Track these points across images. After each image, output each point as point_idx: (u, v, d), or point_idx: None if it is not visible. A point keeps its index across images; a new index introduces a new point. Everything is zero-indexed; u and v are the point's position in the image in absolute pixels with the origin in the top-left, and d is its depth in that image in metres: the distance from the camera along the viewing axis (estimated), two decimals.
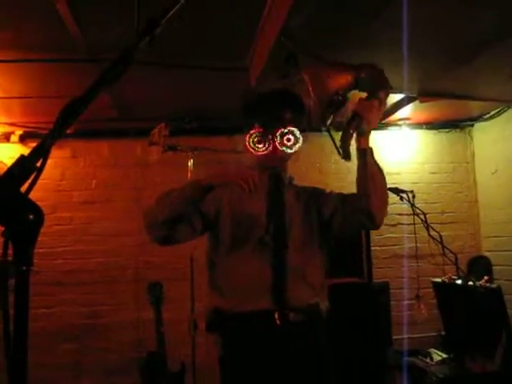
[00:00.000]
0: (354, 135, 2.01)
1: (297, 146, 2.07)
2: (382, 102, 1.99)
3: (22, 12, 2.73)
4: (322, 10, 2.61)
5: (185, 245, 3.94)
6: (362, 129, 1.99)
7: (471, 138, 5.64)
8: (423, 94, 4.10)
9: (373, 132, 2.05)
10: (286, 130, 2.05)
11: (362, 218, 2.02)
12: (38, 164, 0.93)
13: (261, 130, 2.07)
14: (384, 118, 4.94)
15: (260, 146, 2.06)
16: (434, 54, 3.36)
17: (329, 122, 2.03)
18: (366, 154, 2.00)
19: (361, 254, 4.35)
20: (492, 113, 5.18)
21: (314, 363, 2.02)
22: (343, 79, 2.00)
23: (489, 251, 5.34)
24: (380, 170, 2.04)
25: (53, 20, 2.74)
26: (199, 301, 3.82)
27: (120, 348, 4.72)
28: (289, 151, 2.07)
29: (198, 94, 4.13)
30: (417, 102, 4.29)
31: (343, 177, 4.77)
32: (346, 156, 2.01)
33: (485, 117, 5.32)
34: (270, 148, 2.06)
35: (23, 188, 0.90)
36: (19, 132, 4.83)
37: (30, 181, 0.91)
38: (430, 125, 5.45)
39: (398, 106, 4.54)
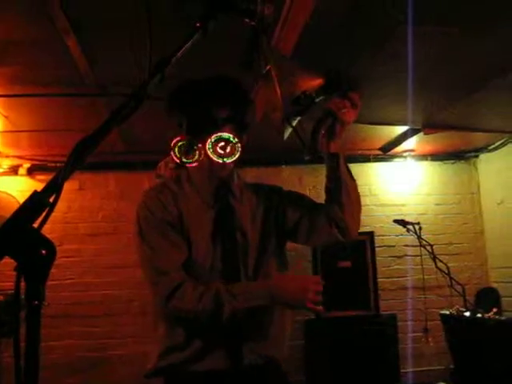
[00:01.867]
0: (323, 139, 1.76)
1: (235, 154, 1.61)
2: (356, 104, 1.74)
3: (32, 47, 2.78)
4: (329, 40, 2.65)
5: None
6: (335, 130, 1.74)
7: (476, 169, 5.65)
8: (427, 126, 4.13)
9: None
10: (217, 137, 1.59)
11: (334, 230, 1.75)
12: (51, 199, 0.95)
13: (186, 136, 1.60)
14: (389, 150, 4.97)
15: (188, 157, 1.59)
16: (438, 86, 3.40)
17: (294, 122, 1.77)
18: (338, 159, 1.74)
19: (367, 286, 4.32)
20: (497, 144, 5.21)
21: None
22: (311, 80, 1.78)
23: (496, 282, 5.30)
24: (352, 178, 1.79)
25: (62, 56, 2.80)
26: None
27: (126, 382, 4.67)
28: (226, 161, 1.61)
29: None
30: (421, 133, 4.32)
31: None
32: (315, 155, 1.75)
33: (489, 148, 5.34)
34: (200, 158, 1.59)
35: (36, 223, 0.91)
36: (27, 165, 4.88)
37: (42, 216, 0.92)
38: (435, 156, 5.48)
39: (403, 138, 4.57)
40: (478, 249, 5.52)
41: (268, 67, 1.80)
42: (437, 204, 5.49)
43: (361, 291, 4.35)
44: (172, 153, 1.59)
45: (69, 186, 5.01)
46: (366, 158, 5.10)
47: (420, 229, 4.17)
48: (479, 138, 5.04)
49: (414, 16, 2.39)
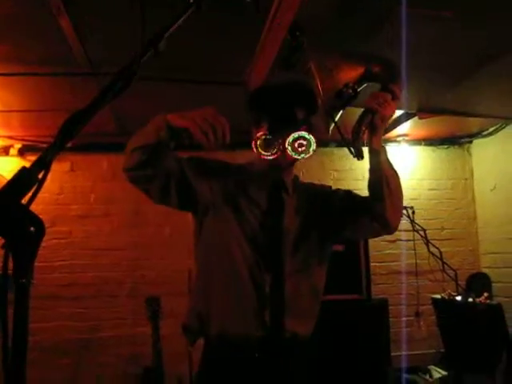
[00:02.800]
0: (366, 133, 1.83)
1: (310, 151, 1.77)
2: (397, 96, 1.80)
3: (23, 26, 2.74)
4: (322, 28, 2.62)
5: (182, 259, 3.99)
6: (375, 125, 1.80)
7: (470, 154, 5.65)
8: (422, 111, 4.11)
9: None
10: (298, 135, 1.77)
11: (376, 224, 1.85)
12: (40, 176, 0.93)
13: (268, 132, 1.78)
14: (383, 135, 4.95)
15: (267, 151, 1.77)
16: (432, 72, 3.37)
17: (337, 116, 1.87)
18: (379, 154, 1.82)
19: (359, 270, 4.32)
20: (490, 129, 5.20)
21: None
22: (353, 71, 1.84)
23: (488, 268, 5.33)
24: (395, 172, 1.85)
25: (54, 35, 2.75)
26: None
27: (116, 363, 4.68)
28: (300, 157, 1.79)
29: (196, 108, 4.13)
30: (415, 118, 4.30)
31: None
32: (359, 155, 1.83)
33: (483, 133, 5.34)
34: (279, 153, 1.77)
35: (24, 200, 0.89)
36: (18, 145, 4.83)
37: (31, 193, 0.90)
38: (429, 141, 5.47)
39: (397, 122, 4.55)
40: (470, 234, 5.53)
41: (309, 65, 1.84)
42: (430, 189, 5.49)
43: (353, 275, 4.34)
44: (253, 145, 1.77)
45: (60, 168, 5.03)
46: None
47: (413, 213, 4.17)
48: (473, 123, 5.03)
49: None
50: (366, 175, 1.91)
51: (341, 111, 1.86)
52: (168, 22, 1.22)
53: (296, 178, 2.03)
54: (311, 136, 1.77)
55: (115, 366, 4.66)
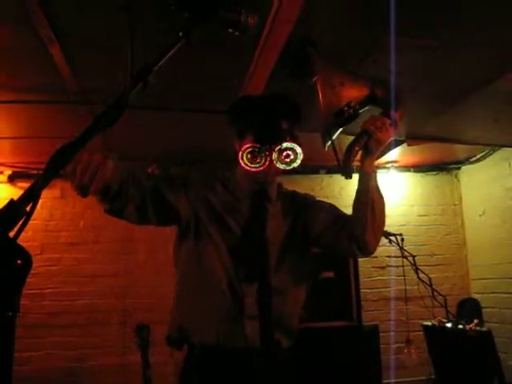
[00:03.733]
0: (359, 154, 1.84)
1: (296, 162, 1.77)
2: (395, 122, 1.81)
3: (16, 55, 2.76)
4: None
5: (172, 286, 3.96)
6: (370, 148, 1.81)
7: (458, 180, 5.70)
8: (411, 138, 4.16)
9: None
10: (284, 146, 1.76)
11: (353, 245, 1.83)
12: (28, 208, 0.93)
13: (255, 144, 1.76)
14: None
15: (254, 163, 1.76)
16: (421, 98, 3.42)
17: (335, 135, 1.86)
18: (369, 177, 1.82)
19: (350, 296, 4.31)
20: (478, 156, 5.27)
21: None
22: (357, 91, 1.85)
23: (478, 293, 5.33)
24: (381, 197, 1.85)
25: (46, 64, 2.78)
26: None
27: None
28: (288, 168, 1.79)
29: (191, 136, 4.16)
30: (404, 145, 4.34)
31: None
32: (347, 173, 1.82)
33: (471, 160, 5.40)
34: (266, 164, 1.76)
35: (12, 233, 0.89)
36: (8, 172, 4.83)
37: (19, 225, 0.91)
38: (418, 168, 5.52)
39: (386, 149, 4.59)
40: (459, 260, 5.55)
41: (315, 78, 1.85)
42: (419, 215, 5.52)
43: (343, 302, 4.34)
44: (240, 157, 1.76)
45: (50, 194, 5.02)
46: (351, 163, 5.07)
47: (402, 240, 4.19)
48: (461, 150, 5.09)
49: (395, 27, 2.41)
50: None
51: (339, 130, 1.86)
52: (157, 55, 1.24)
53: (280, 185, 2.01)
54: (298, 147, 1.77)
55: None
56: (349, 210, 1.91)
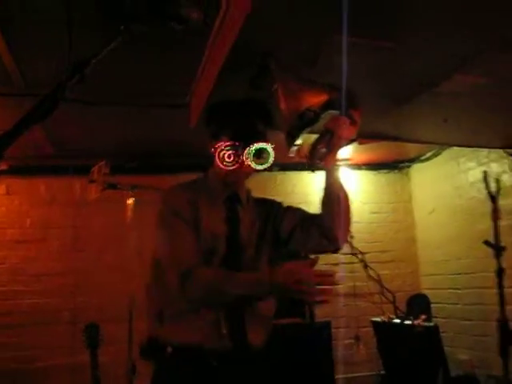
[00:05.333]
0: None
1: (269, 162, 1.89)
2: (355, 121, 1.94)
3: None
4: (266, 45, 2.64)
5: (123, 284, 3.91)
6: (332, 145, 1.93)
7: (409, 178, 5.81)
8: (362, 136, 4.18)
9: (313, 174, 2.00)
10: (259, 146, 1.86)
11: (324, 240, 1.93)
12: None
13: (231, 142, 1.86)
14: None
15: (230, 161, 1.85)
16: (372, 97, 3.44)
17: (298, 138, 1.95)
18: (333, 173, 1.96)
19: None
20: (428, 154, 5.37)
21: None
22: (316, 97, 1.94)
23: (427, 289, 5.44)
24: (346, 193, 1.98)
25: None
26: (138, 343, 3.71)
27: None
28: (260, 167, 1.89)
29: (140, 131, 4.11)
30: (356, 143, 4.38)
31: None
32: (312, 168, 1.97)
33: (422, 158, 5.50)
34: (240, 164, 1.86)
35: None
36: None
37: None
38: (370, 166, 5.60)
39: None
40: (410, 256, 5.66)
41: (276, 86, 1.96)
42: (371, 212, 5.60)
43: (296, 299, 4.35)
44: (216, 155, 1.86)
45: None
46: (303, 167, 5.11)
47: (352, 237, 4.24)
48: (412, 148, 5.18)
49: (348, 27, 2.42)
50: (308, 199, 1.97)
51: (303, 133, 1.94)
52: (97, 48, 1.21)
53: (249, 191, 2.09)
54: (271, 148, 1.87)
55: None
56: (303, 207, 1.98)
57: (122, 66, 2.89)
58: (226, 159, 1.85)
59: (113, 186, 3.89)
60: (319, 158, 1.95)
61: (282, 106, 1.94)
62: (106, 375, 3.94)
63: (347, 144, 2.07)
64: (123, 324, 3.92)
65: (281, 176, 5.19)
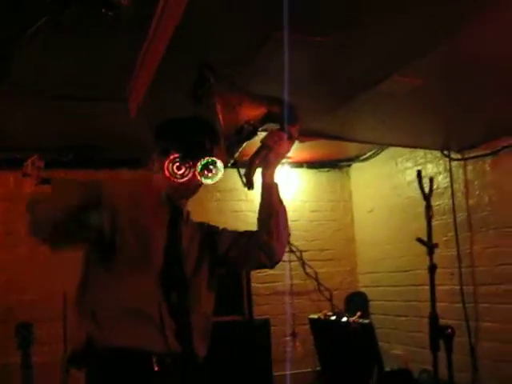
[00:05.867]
0: (260, 168, 1.96)
1: (218, 176, 1.89)
2: (293, 136, 1.95)
3: None
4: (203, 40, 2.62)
5: (57, 281, 3.80)
6: (269, 161, 1.94)
7: (349, 177, 5.90)
8: (303, 134, 4.21)
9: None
10: (208, 160, 1.87)
11: (261, 255, 1.94)
12: None
13: (180, 155, 1.86)
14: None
15: (179, 172, 1.85)
16: (312, 96, 3.47)
17: (237, 152, 1.97)
18: (271, 189, 1.96)
19: (241, 291, 4.33)
20: (368, 154, 5.47)
21: None
22: (255, 110, 1.96)
23: (365, 287, 5.55)
24: (284, 208, 1.98)
25: None
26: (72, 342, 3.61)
27: None
28: (209, 182, 1.89)
29: (77, 124, 4.00)
30: (297, 141, 4.40)
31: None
32: (249, 185, 1.96)
33: (361, 158, 5.60)
34: (189, 176, 1.86)
35: None
36: None
37: None
38: (311, 164, 5.65)
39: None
40: (348, 255, 5.75)
41: (214, 99, 1.97)
42: (311, 211, 5.65)
43: (235, 296, 4.35)
44: (165, 167, 1.84)
45: None
46: (243, 164, 5.09)
47: (289, 235, 4.25)
48: (352, 148, 5.25)
49: (288, 23, 2.42)
50: (248, 196, 1.98)
51: (241, 147, 1.96)
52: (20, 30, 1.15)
53: (188, 213, 2.09)
54: (220, 163, 1.87)
55: None
56: (243, 204, 1.99)
57: (60, 56, 2.82)
58: (176, 171, 1.85)
59: (48, 181, 3.76)
60: (254, 173, 1.96)
61: (220, 119, 1.96)
62: (39, 376, 3.82)
63: (281, 161, 2.03)
64: (58, 323, 3.82)
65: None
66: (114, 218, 1.84)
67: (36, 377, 3.78)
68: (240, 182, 2.01)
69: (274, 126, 1.98)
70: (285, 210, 1.99)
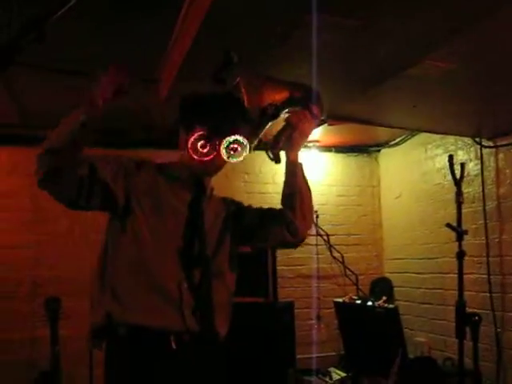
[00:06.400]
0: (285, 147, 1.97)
1: (242, 155, 1.87)
2: (316, 115, 1.94)
3: None
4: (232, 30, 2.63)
5: (85, 257, 3.85)
6: (293, 139, 1.94)
7: (378, 163, 5.85)
8: (332, 117, 4.19)
9: (281, 153, 1.97)
10: (233, 139, 1.85)
11: (284, 232, 1.95)
12: None
13: (206, 133, 1.85)
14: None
15: (204, 151, 1.84)
16: (343, 79, 3.45)
17: (261, 133, 1.94)
18: (295, 168, 1.96)
19: (266, 273, 4.34)
20: (397, 140, 5.41)
21: None
22: (277, 94, 1.95)
23: (390, 273, 5.52)
24: (308, 187, 1.99)
25: None
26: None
27: (11, 368, 4.43)
28: (234, 160, 1.87)
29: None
30: (326, 124, 4.38)
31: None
32: (276, 159, 1.96)
33: (391, 143, 5.54)
34: (213, 155, 1.85)
35: None
36: None
37: None
38: (339, 148, 5.60)
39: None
40: (375, 240, 5.71)
41: (237, 80, 1.94)
42: (338, 195, 5.62)
43: (260, 278, 4.36)
44: (189, 145, 1.84)
45: None
46: (278, 150, 5.07)
47: (317, 217, 4.25)
48: (382, 133, 5.20)
49: (317, 5, 2.40)
50: (275, 179, 1.98)
51: (265, 128, 1.94)
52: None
53: (212, 188, 2.08)
54: (246, 141, 1.85)
55: (9, 372, 4.41)
56: (270, 187, 2.00)
57: (91, 34, 2.83)
58: (200, 149, 1.83)
59: None
60: (280, 150, 1.96)
61: (244, 100, 1.93)
62: (66, 349, 3.91)
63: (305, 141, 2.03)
64: (85, 297, 3.86)
65: (248, 155, 5.16)
66: (129, 184, 1.86)
67: (63, 349, 3.87)
68: (267, 165, 2.02)
69: (297, 108, 1.98)
70: (309, 189, 1.99)
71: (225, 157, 1.85)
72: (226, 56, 2.18)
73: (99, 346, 1.88)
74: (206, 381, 1.87)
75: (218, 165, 1.91)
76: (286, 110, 1.95)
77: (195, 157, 1.84)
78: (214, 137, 1.84)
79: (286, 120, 1.96)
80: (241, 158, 1.87)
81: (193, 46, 2.80)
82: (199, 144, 1.83)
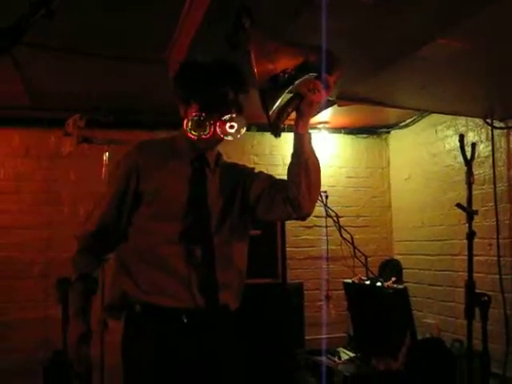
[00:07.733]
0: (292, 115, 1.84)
1: (240, 133, 1.84)
2: (329, 85, 1.80)
3: None
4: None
5: None
6: (302, 110, 1.81)
7: (387, 144, 5.82)
8: (341, 98, 4.16)
9: (291, 134, 1.87)
10: (229, 117, 1.83)
11: (288, 207, 1.87)
12: None
13: (200, 112, 1.82)
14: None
15: (199, 131, 1.82)
16: (352, 59, 3.40)
17: (277, 102, 1.84)
18: (303, 139, 1.84)
19: (276, 254, 4.35)
20: (407, 121, 5.37)
21: (224, 365, 1.93)
22: (291, 59, 1.84)
23: (400, 255, 5.52)
24: (316, 160, 1.89)
25: None
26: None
27: (24, 348, 4.50)
28: (230, 139, 1.85)
29: (117, 86, 4.03)
30: (335, 106, 4.35)
31: None
32: (276, 132, 1.83)
33: (400, 125, 5.50)
34: (210, 133, 1.82)
35: None
36: None
37: None
38: (349, 129, 5.58)
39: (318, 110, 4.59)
40: (384, 222, 5.71)
41: (249, 47, 1.83)
42: (348, 177, 5.61)
43: (269, 259, 4.37)
44: (184, 124, 1.83)
45: None
46: (281, 123, 5.05)
47: (327, 198, 4.24)
48: (391, 114, 5.16)
49: None
50: (286, 161, 1.93)
51: (280, 96, 1.84)
52: None
53: (219, 154, 2.05)
54: (242, 118, 1.84)
55: (22, 351, 4.48)
56: (280, 169, 1.95)
57: (98, 14, 2.83)
58: (195, 129, 1.82)
59: (88, 140, 3.83)
60: (284, 121, 1.84)
61: (255, 68, 1.82)
62: None
63: (316, 112, 1.97)
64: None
65: (259, 136, 5.16)
66: (139, 176, 1.90)
67: None
68: (277, 148, 1.97)
69: (312, 76, 1.85)
70: (318, 162, 1.90)
71: (221, 135, 1.85)
72: (238, 21, 2.11)
73: (118, 317, 1.96)
74: (217, 347, 1.91)
75: (218, 138, 1.89)
76: (300, 80, 1.85)
77: (191, 136, 1.84)
78: (208, 116, 1.82)
79: (295, 89, 1.83)
80: (239, 135, 1.86)
81: (202, 24, 2.78)
82: (194, 124, 1.82)
